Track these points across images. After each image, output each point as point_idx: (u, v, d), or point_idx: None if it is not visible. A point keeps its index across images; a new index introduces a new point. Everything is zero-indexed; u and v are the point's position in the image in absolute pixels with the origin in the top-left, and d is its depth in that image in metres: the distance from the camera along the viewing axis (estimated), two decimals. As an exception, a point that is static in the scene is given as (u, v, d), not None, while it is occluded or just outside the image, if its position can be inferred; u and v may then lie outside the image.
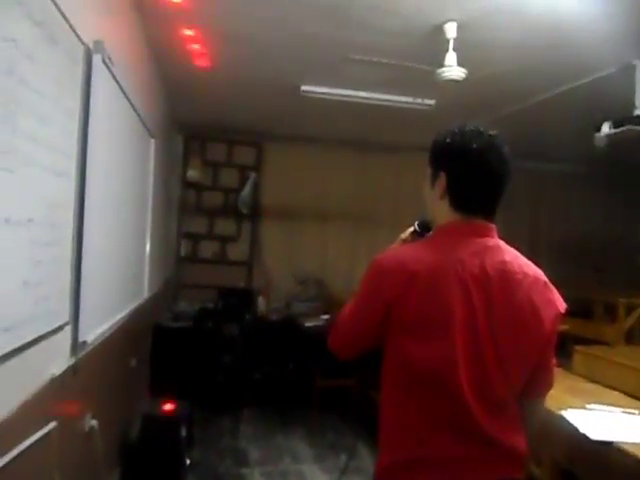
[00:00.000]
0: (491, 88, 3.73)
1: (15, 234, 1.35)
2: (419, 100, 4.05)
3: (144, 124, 3.10)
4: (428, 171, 1.30)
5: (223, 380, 4.45)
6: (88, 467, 2.29)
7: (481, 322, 1.13)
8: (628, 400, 2.36)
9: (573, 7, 2.55)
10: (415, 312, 1.14)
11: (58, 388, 1.71)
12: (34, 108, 1.43)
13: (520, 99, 3.99)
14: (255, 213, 5.72)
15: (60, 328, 1.75)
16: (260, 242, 5.75)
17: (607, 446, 1.84)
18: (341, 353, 1.30)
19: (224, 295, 5.08)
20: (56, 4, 1.53)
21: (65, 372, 1.78)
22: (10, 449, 1.35)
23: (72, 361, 1.88)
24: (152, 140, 3.50)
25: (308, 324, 4.53)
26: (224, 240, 5.68)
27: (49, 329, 1.63)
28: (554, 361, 1.29)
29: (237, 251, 5.71)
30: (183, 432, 3.12)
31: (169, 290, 5.32)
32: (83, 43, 1.82)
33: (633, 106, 3.23)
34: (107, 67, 2.05)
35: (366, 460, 3.48)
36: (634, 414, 2.15)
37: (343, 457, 3.59)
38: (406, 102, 4.05)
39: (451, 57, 2.90)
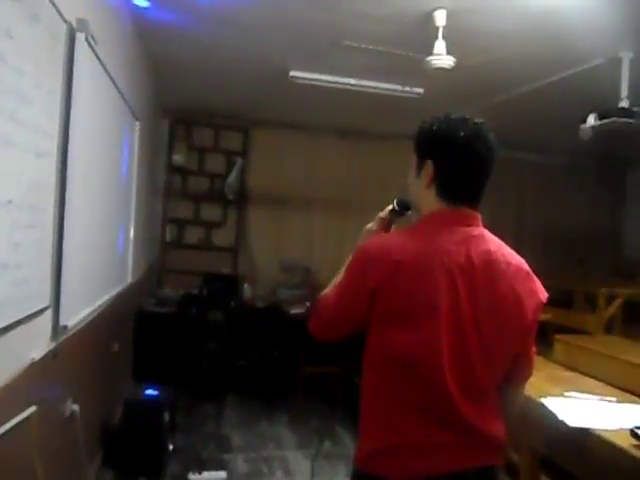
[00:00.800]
0: (480, 77, 3.73)
1: (-7, 215, 1.32)
2: (408, 88, 4.03)
3: (129, 106, 3.05)
4: (413, 159, 1.28)
5: (207, 366, 4.44)
6: (69, 452, 2.28)
7: (465, 311, 1.14)
8: (607, 388, 2.40)
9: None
10: (400, 300, 1.14)
11: (38, 372, 1.69)
12: (14, 87, 1.39)
13: (508, 88, 4.00)
14: (241, 199, 5.68)
15: (40, 312, 1.72)
16: (246, 228, 5.72)
17: (585, 433, 1.87)
18: (321, 336, 1.30)
19: (209, 281, 5.06)
20: (37, -21, 1.48)
21: (45, 356, 1.76)
22: (-12, 433, 1.33)
23: (52, 345, 1.86)
24: (137, 122, 3.45)
25: (293, 311, 4.54)
26: (210, 226, 5.64)
27: (29, 312, 1.60)
28: (534, 349, 1.30)
29: (223, 237, 5.68)
30: (166, 417, 3.11)
31: (153, 275, 5.28)
32: (65, 21, 1.78)
33: (619, 98, 3.26)
34: (90, 46, 2.00)
35: (349, 446, 3.51)
36: (612, 402, 2.19)
37: (326, 443, 3.61)
38: (394, 90, 4.03)
39: (440, 45, 2.88)
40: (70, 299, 1.92)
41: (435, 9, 2.77)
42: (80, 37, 1.89)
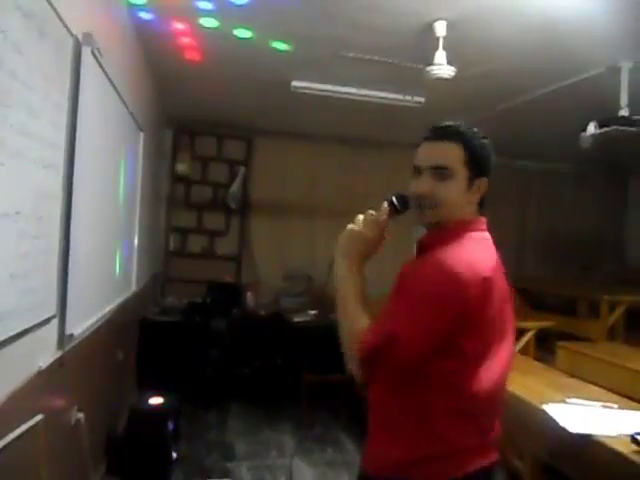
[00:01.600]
0: (480, 87, 3.76)
1: (2, 226, 1.34)
2: (409, 97, 4.07)
3: (133, 117, 3.09)
4: (463, 171, 1.23)
5: (211, 374, 4.45)
6: (74, 460, 2.29)
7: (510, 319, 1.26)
8: (609, 395, 2.41)
9: (563, 9, 2.58)
10: (487, 325, 1.17)
11: (45, 381, 1.71)
12: (23, 101, 1.42)
13: (509, 98, 4.03)
14: (244, 208, 5.72)
15: (47, 321, 1.75)
16: (249, 237, 5.75)
17: (586, 439, 1.88)
18: (409, 365, 1.15)
19: (213, 289, 5.08)
20: (45, -4, 1.52)
21: (52, 365, 1.78)
22: (-4, 441, 1.35)
23: (59, 354, 1.88)
24: (141, 133, 3.49)
25: (296, 319, 4.55)
26: (213, 234, 5.68)
27: (36, 322, 1.63)
28: None
29: (226, 246, 5.71)
30: (170, 426, 3.12)
31: (157, 284, 5.31)
32: (72, 35, 1.82)
33: (618, 107, 3.28)
34: (96, 59, 2.04)
35: (352, 454, 3.51)
36: (613, 408, 2.20)
37: (330, 451, 3.61)
38: (396, 99, 4.07)
39: (440, 55, 2.92)
40: (76, 308, 1.95)
41: (435, 20, 2.81)
42: (86, 51, 1.93)
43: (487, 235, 1.27)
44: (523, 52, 3.16)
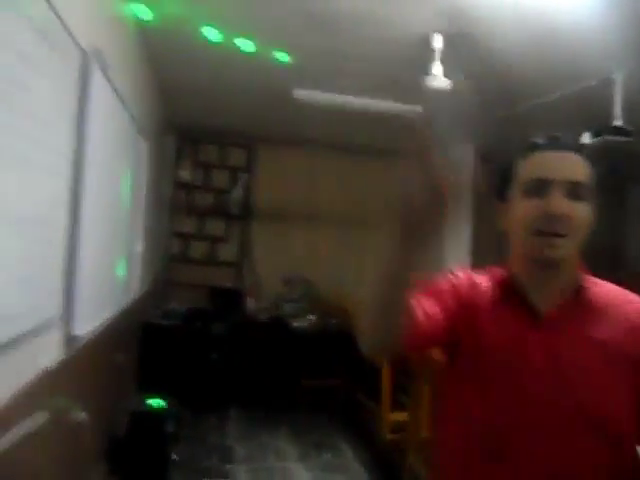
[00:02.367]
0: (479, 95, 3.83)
1: (11, 232, 1.41)
2: (408, 107, 4.14)
3: (137, 126, 3.17)
4: (592, 192, 1.07)
5: (211, 379, 4.51)
6: (76, 460, 2.34)
7: None
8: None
9: (559, 21, 2.66)
10: None
11: (50, 381, 1.77)
12: (33, 111, 1.49)
13: (504, 108, 4.10)
14: (245, 214, 5.79)
15: (53, 321, 1.81)
16: (249, 243, 5.82)
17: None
18: None
19: (214, 295, 5.15)
20: (55, 11, 1.59)
21: (56, 366, 1.84)
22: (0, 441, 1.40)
23: (63, 355, 1.94)
24: (145, 142, 3.56)
25: (296, 324, 4.61)
26: (214, 240, 5.74)
27: (42, 322, 1.69)
28: None
29: (227, 252, 5.77)
30: (170, 428, 3.18)
31: (159, 289, 5.37)
32: (81, 49, 1.89)
33: (612, 117, 3.35)
34: (102, 71, 2.11)
35: (349, 458, 3.56)
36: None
37: (328, 456, 3.66)
38: (395, 108, 4.14)
39: (437, 67, 2.99)
40: (81, 310, 2.01)
41: (432, 33, 2.89)
42: (93, 62, 2.00)
43: None
44: (518, 63, 3.23)
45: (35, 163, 1.55)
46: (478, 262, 1.52)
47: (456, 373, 1.07)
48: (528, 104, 3.97)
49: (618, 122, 3.32)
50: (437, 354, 1.15)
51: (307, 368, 4.29)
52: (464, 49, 3.00)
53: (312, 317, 4.85)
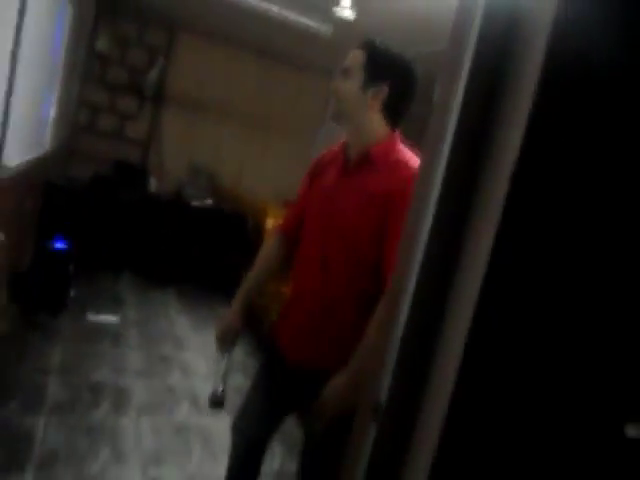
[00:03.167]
0: (383, 32, 4.33)
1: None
2: (319, 24, 4.52)
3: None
4: (360, 74, 1.41)
5: (109, 243, 4.86)
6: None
7: None
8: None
9: None
10: None
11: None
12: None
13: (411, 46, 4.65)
14: (158, 97, 5.98)
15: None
16: (159, 126, 6.06)
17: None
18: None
19: (119, 168, 5.42)
20: None
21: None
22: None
23: (-5, 178, 2.36)
24: (69, 5, 3.71)
25: (194, 204, 5.12)
26: (124, 117, 5.91)
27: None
28: None
29: (135, 130, 5.98)
30: (71, 268, 3.67)
31: (64, 155, 5.52)
32: None
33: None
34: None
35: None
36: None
37: (206, 309, 4.36)
38: (305, 23, 4.50)
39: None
40: (11, 146, 2.41)
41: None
42: None
43: None
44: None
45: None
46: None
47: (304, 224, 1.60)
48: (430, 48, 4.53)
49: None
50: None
51: (202, 245, 4.87)
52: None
53: (210, 201, 5.38)
